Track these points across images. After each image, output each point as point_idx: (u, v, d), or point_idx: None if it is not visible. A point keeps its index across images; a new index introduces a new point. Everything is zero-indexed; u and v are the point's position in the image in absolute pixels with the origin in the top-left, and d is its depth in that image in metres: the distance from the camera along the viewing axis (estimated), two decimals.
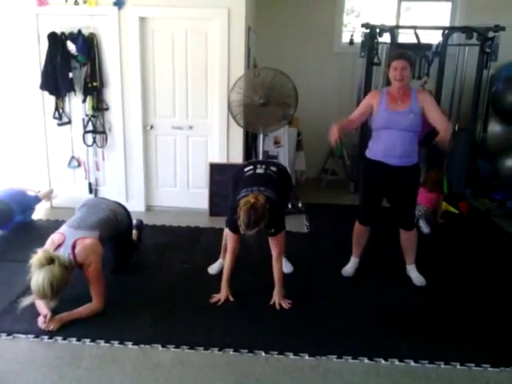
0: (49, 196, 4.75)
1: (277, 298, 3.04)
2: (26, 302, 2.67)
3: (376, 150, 3.17)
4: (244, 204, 2.76)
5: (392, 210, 3.35)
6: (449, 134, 2.90)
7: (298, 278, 3.38)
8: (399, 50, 3.57)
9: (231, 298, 3.07)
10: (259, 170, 3.23)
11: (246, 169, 3.29)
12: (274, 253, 3.04)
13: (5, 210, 4.02)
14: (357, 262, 3.50)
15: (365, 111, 3.19)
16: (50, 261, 2.55)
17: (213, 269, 3.46)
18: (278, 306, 3.00)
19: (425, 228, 4.39)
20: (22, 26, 4.43)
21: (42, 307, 2.73)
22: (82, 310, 2.80)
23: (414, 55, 3.37)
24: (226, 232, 3.24)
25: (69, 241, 2.78)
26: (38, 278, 2.50)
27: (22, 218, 4.28)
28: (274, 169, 3.27)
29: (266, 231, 2.96)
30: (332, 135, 2.99)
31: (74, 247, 2.76)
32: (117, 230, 3.20)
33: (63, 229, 2.92)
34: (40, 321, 2.69)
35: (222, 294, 3.07)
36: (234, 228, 2.95)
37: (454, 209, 4.94)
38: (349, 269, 3.47)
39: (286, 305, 3.00)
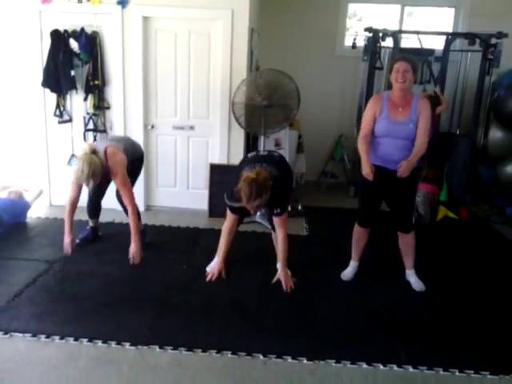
0: (39, 197, 4.63)
1: (283, 278, 3.15)
2: (72, 162, 3.63)
3: (374, 156, 3.17)
4: (246, 177, 2.83)
5: (390, 213, 3.36)
6: (422, 149, 3.01)
7: (297, 282, 3.36)
8: (403, 54, 3.55)
9: (224, 276, 3.24)
10: (262, 153, 3.47)
11: (249, 154, 3.45)
12: (281, 234, 3.13)
13: None
14: (356, 267, 3.49)
15: (372, 124, 3.14)
16: (93, 151, 3.19)
17: (210, 267, 3.46)
18: (286, 287, 3.13)
19: (425, 217, 4.61)
20: (24, 23, 4.42)
21: (67, 228, 3.43)
22: (134, 226, 3.39)
23: (417, 60, 3.35)
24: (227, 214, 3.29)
25: (100, 147, 3.32)
26: (81, 161, 3.11)
27: (17, 220, 4.20)
28: (276, 154, 3.44)
29: (271, 212, 3.09)
30: (368, 175, 3.07)
31: (105, 152, 3.30)
32: (134, 154, 3.62)
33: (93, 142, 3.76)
34: (66, 245, 3.43)
35: (216, 269, 3.26)
36: (234, 207, 3.07)
37: (453, 214, 4.94)
38: (348, 273, 3.46)
39: (292, 284, 3.17)
